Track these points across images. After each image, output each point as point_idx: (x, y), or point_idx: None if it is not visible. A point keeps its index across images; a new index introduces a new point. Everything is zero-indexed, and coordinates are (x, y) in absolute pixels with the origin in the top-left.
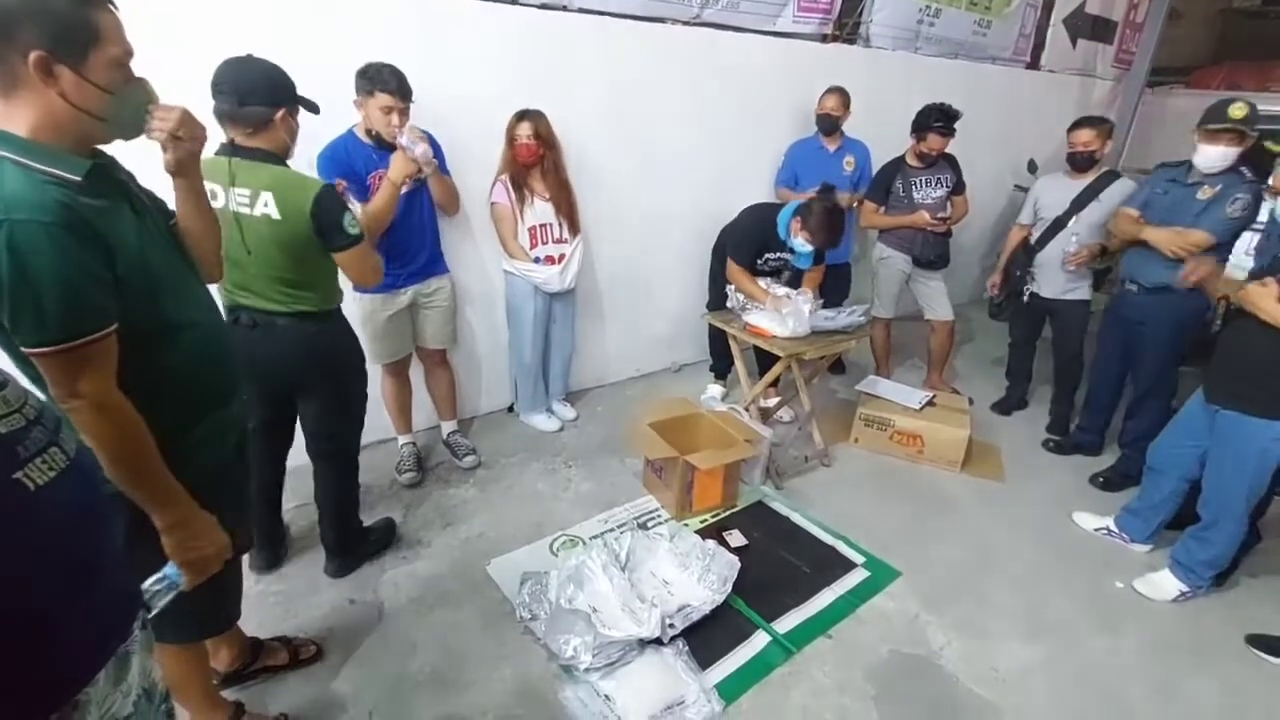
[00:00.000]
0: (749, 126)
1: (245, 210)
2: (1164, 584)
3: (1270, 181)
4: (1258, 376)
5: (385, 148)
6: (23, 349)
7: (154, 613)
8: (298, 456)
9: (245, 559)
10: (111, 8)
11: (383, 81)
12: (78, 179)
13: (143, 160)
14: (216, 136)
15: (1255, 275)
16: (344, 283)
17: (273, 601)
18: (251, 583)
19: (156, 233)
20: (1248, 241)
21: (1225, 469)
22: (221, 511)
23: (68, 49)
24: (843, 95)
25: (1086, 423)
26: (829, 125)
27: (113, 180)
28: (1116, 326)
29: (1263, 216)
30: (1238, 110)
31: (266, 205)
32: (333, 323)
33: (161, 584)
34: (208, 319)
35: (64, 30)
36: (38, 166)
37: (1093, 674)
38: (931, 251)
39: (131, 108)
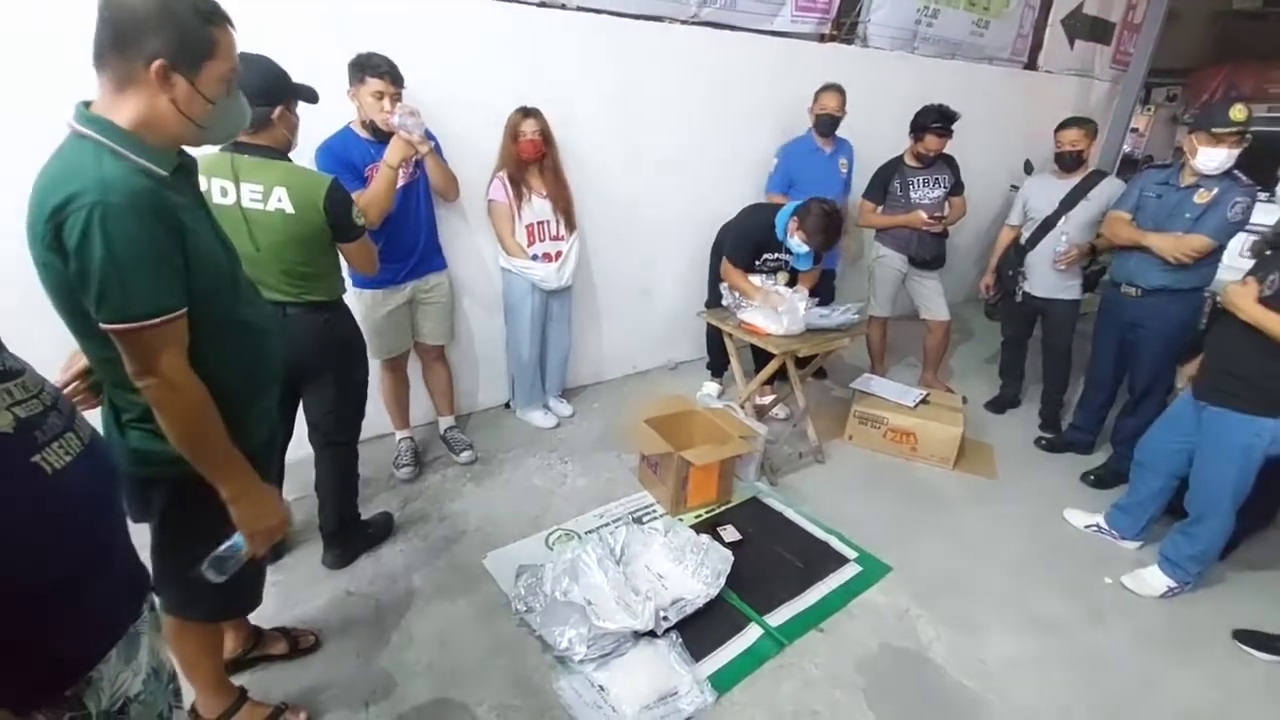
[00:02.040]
0: (747, 125)
1: (258, 206)
2: (1152, 580)
3: None
4: (1241, 373)
5: (382, 140)
6: (104, 325)
7: (223, 578)
8: (294, 450)
9: None
10: (229, 26)
11: (373, 67)
12: (165, 174)
13: None
14: None
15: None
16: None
17: (272, 593)
18: None
19: (223, 232)
20: (1241, 243)
21: (1211, 464)
22: None
23: (187, 60)
24: (842, 93)
25: (1080, 421)
26: (830, 126)
27: (191, 181)
28: (1112, 328)
29: (1258, 218)
30: (1239, 112)
31: (280, 200)
32: (341, 312)
33: (229, 551)
34: (257, 317)
35: (187, 43)
36: (131, 157)
37: (1080, 668)
38: (928, 251)
39: (228, 118)
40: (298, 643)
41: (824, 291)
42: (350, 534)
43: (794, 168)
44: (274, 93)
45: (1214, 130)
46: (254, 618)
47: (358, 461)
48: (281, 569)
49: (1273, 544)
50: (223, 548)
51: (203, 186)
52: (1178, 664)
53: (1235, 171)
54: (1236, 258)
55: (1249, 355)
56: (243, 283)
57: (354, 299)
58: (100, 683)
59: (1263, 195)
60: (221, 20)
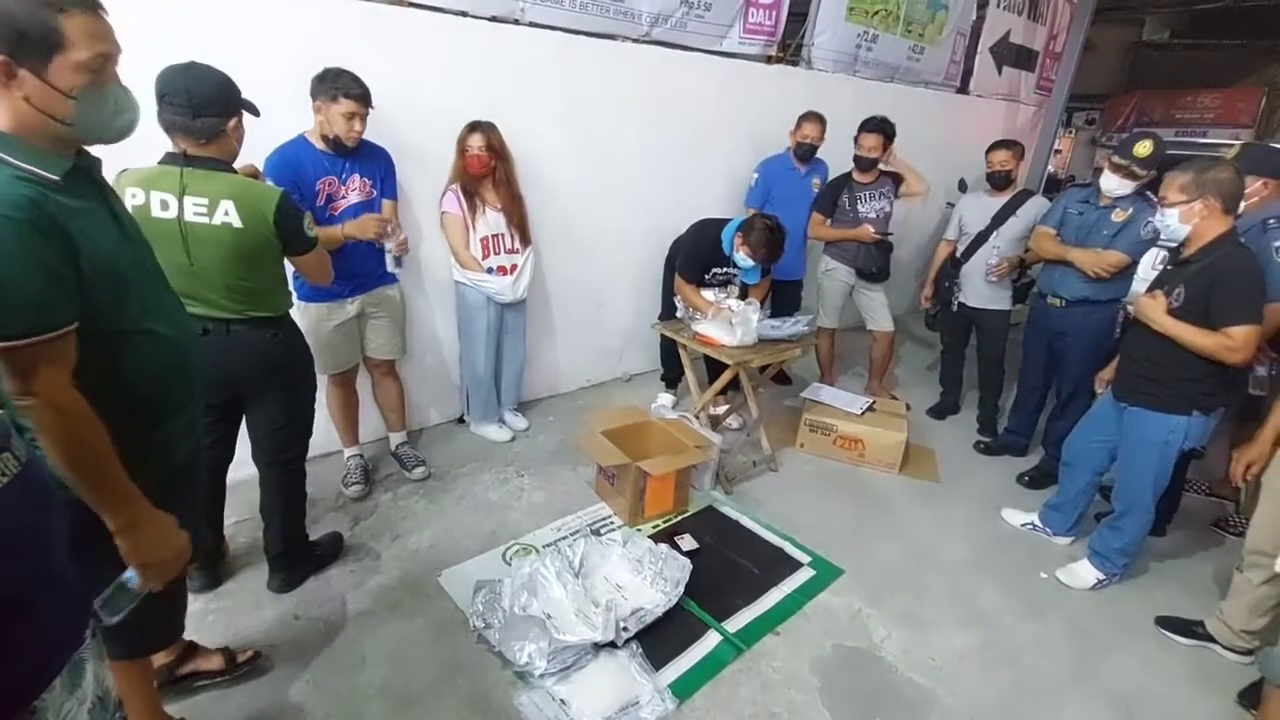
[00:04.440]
0: (697, 142)
1: (202, 220)
2: (1083, 573)
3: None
4: (1156, 376)
5: (338, 153)
6: None
7: (116, 618)
8: (235, 471)
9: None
10: (84, 11)
11: (345, 88)
12: (55, 178)
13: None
14: (160, 145)
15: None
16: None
17: (212, 620)
18: (189, 601)
19: (134, 238)
20: (1153, 257)
21: (1133, 461)
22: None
23: (28, 54)
24: (822, 122)
25: (1014, 425)
26: (809, 152)
27: (92, 182)
28: (1040, 337)
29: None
30: (1142, 149)
31: (228, 214)
32: (287, 327)
33: (123, 589)
34: (171, 328)
35: (24, 35)
36: (14, 162)
37: (1021, 658)
38: (873, 264)
39: (100, 114)
40: (234, 656)
41: (790, 301)
42: (298, 556)
43: (772, 183)
44: (228, 104)
45: (1114, 160)
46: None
47: (305, 481)
48: (223, 595)
49: (1186, 535)
50: (111, 587)
51: (138, 200)
52: (1109, 651)
53: (1148, 193)
54: (1150, 270)
55: (1162, 360)
56: (156, 291)
57: (299, 312)
58: (45, 712)
59: None
60: (75, 6)
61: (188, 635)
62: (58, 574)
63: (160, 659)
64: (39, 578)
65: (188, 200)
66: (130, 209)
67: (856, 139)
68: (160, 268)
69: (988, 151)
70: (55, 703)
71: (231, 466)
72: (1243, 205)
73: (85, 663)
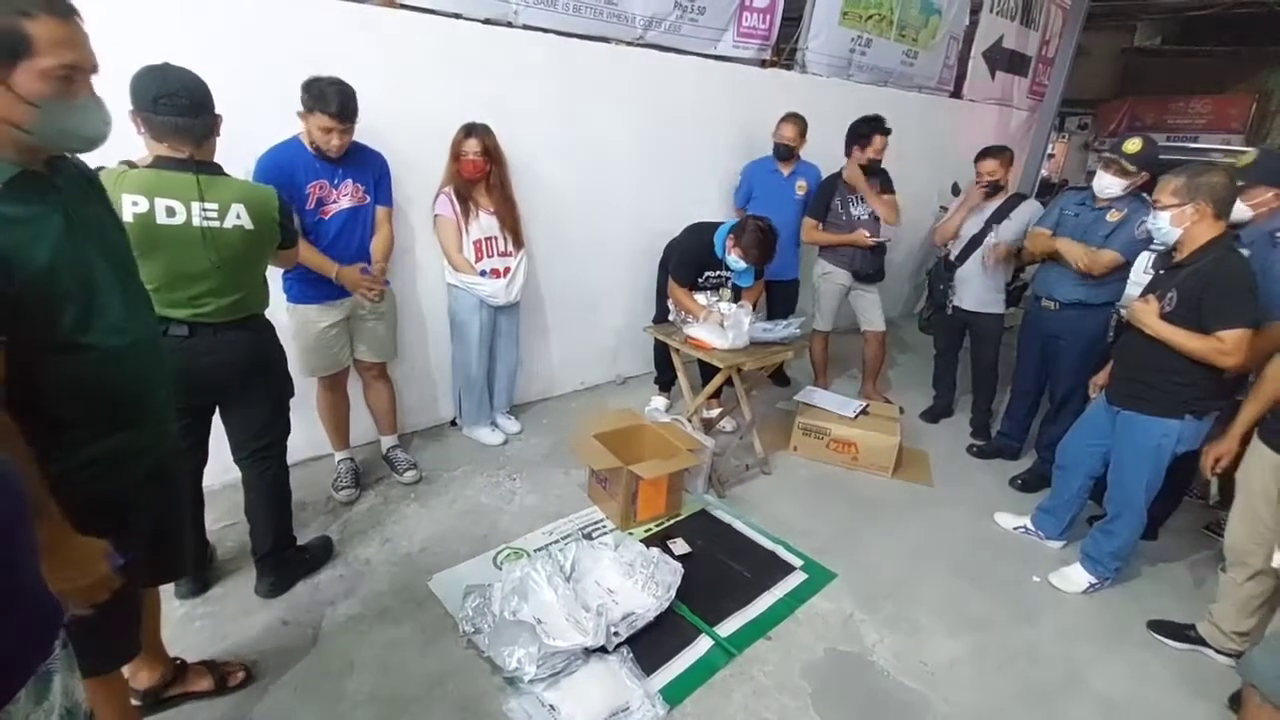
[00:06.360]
0: (691, 145)
1: (213, 225)
2: (1075, 577)
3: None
4: (1149, 380)
5: (328, 159)
6: None
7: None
8: (221, 475)
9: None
10: (55, 17)
11: (325, 103)
12: None
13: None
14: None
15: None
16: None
17: (199, 626)
18: (175, 607)
19: (90, 247)
20: (1146, 260)
21: (1125, 464)
22: (123, 540)
23: None
24: (799, 124)
25: (1007, 429)
26: (785, 153)
27: (49, 189)
28: (1034, 340)
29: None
30: (1130, 145)
31: (239, 217)
32: (266, 324)
33: None
34: (118, 341)
35: None
36: None
37: (1013, 663)
38: (870, 265)
39: (65, 123)
40: (226, 679)
41: (786, 301)
42: (285, 559)
43: (754, 185)
44: (212, 100)
45: (1104, 156)
46: (179, 653)
47: (288, 475)
48: (209, 601)
49: (1177, 539)
50: None
51: (140, 207)
52: (1101, 656)
53: (1144, 194)
54: (1142, 275)
55: (1156, 364)
56: (105, 303)
57: (287, 314)
58: None
59: None
60: (44, 11)
61: (174, 652)
62: (26, 582)
63: (145, 682)
64: (5, 587)
65: (195, 206)
66: (131, 217)
67: (869, 141)
68: (121, 277)
69: (975, 161)
70: (19, 715)
71: (217, 470)
72: (1251, 214)
73: (53, 674)
